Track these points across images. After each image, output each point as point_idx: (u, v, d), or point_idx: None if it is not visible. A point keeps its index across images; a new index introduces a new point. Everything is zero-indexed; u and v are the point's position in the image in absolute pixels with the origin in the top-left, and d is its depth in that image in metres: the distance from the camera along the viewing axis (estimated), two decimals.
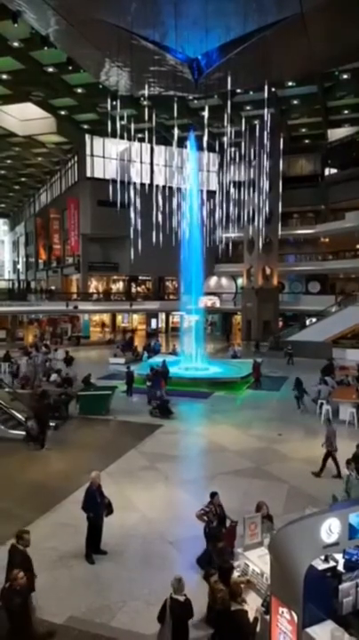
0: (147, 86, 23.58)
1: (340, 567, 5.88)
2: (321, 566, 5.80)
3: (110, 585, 7.88)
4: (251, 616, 5.65)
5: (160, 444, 14.79)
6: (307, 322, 37.27)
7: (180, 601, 5.85)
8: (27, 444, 14.50)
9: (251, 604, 5.95)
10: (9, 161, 47.14)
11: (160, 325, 48.43)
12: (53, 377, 22.26)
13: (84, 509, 8.56)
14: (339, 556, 5.91)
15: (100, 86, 27.46)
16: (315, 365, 23.74)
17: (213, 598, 6.11)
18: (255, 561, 6.61)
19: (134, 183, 31.92)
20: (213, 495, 8.32)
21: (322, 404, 17.61)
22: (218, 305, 48.13)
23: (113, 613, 7.12)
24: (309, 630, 4.81)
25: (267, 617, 5.36)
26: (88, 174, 43.10)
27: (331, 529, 4.79)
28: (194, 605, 6.01)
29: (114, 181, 27.91)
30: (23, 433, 15.07)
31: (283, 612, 4.88)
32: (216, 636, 5.87)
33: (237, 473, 12.42)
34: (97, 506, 8.55)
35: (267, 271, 39.64)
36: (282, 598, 4.92)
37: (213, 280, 49.54)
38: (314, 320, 36.44)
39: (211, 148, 38.89)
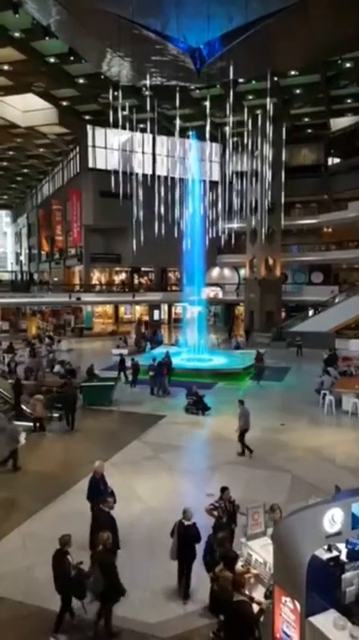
0: (148, 76, 23.37)
1: (343, 557, 5.92)
2: (324, 556, 5.85)
3: None
4: (256, 606, 5.71)
5: (163, 435, 14.88)
6: (310, 312, 37.20)
7: (185, 524, 7.23)
8: (36, 433, 14.75)
9: (256, 595, 6.02)
10: (11, 152, 46.90)
11: (163, 317, 48.42)
12: (57, 368, 22.33)
13: (89, 500, 8.62)
14: (342, 546, 5.95)
15: (102, 77, 27.24)
16: (321, 356, 23.73)
17: (218, 585, 6.17)
18: (258, 550, 6.67)
19: (136, 174, 31.80)
20: (224, 490, 7.97)
21: (325, 394, 17.66)
22: (220, 296, 48.13)
23: (118, 603, 7.20)
24: (312, 619, 4.85)
25: (270, 606, 5.42)
26: (90, 165, 42.90)
27: (333, 519, 4.83)
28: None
29: (116, 172, 27.82)
30: (26, 424, 15.20)
31: (286, 602, 4.93)
32: (221, 627, 5.93)
33: (240, 462, 12.50)
34: (100, 495, 8.62)
35: (270, 262, 39.50)
36: (285, 588, 4.97)
37: (216, 271, 49.41)
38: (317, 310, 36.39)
39: (213, 138, 38.63)
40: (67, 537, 6.90)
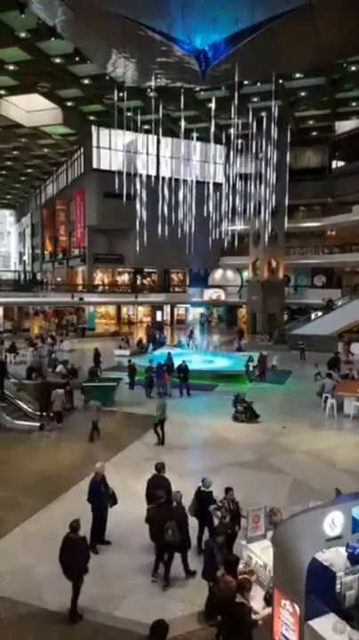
0: (153, 77, 23.39)
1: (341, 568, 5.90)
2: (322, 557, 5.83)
3: (114, 575, 7.96)
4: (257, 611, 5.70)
5: (165, 436, 14.84)
6: (313, 315, 37.13)
7: (203, 491, 8.31)
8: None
9: (257, 599, 6.01)
10: (15, 152, 47.03)
11: (165, 318, 48.45)
12: (59, 368, 22.34)
13: (90, 502, 8.62)
14: (343, 550, 5.93)
15: (107, 77, 27.28)
16: (324, 359, 23.66)
17: (219, 589, 6.15)
18: (258, 553, 6.65)
19: (140, 175, 31.81)
20: (228, 490, 8.03)
21: (326, 397, 17.63)
22: (223, 298, 48.15)
23: (116, 603, 7.20)
24: (311, 623, 4.84)
25: (270, 609, 5.41)
26: (94, 166, 42.99)
27: (334, 522, 4.81)
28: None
29: (120, 173, 27.82)
30: (29, 423, 15.26)
31: (285, 605, 4.92)
32: (219, 628, 5.91)
33: (241, 465, 12.47)
34: (101, 496, 8.62)
35: (273, 264, 39.50)
36: (284, 591, 4.96)
37: (219, 273, 49.44)
38: (319, 314, 36.31)
39: (217, 140, 38.68)
40: (77, 521, 7.19)
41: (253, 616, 5.76)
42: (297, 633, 4.80)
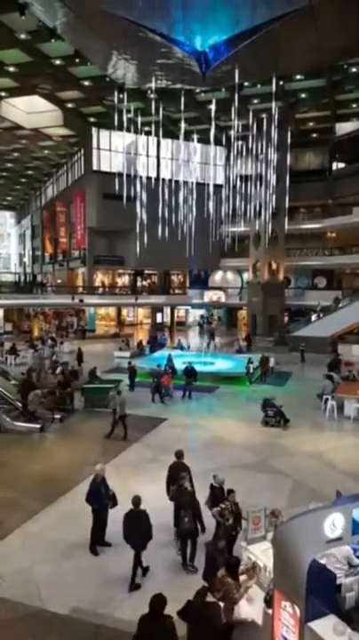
0: (154, 79, 23.43)
1: (354, 560, 5.90)
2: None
3: (114, 576, 7.94)
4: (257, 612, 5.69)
5: (165, 437, 14.83)
6: (313, 317, 37.14)
7: (215, 486, 8.59)
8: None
9: (257, 601, 6.00)
10: (15, 154, 47.08)
11: (165, 320, 48.47)
12: (59, 369, 22.31)
13: (88, 502, 8.62)
14: (351, 550, 5.92)
15: (107, 79, 27.34)
16: (325, 361, 23.66)
17: (221, 593, 6.14)
18: (258, 555, 6.64)
19: (140, 176, 31.85)
20: (230, 492, 8.09)
21: (326, 399, 17.61)
22: (223, 299, 48.17)
23: (116, 604, 7.18)
24: (312, 624, 4.83)
25: (270, 610, 5.39)
26: (94, 167, 43.01)
27: (334, 524, 4.81)
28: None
29: (120, 174, 27.85)
30: (28, 425, 15.24)
31: (285, 606, 4.91)
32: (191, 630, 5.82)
33: (242, 467, 12.45)
34: (101, 498, 8.61)
35: (273, 266, 39.51)
36: (284, 592, 4.95)
37: (219, 274, 49.46)
38: (321, 315, 36.33)
39: (217, 142, 38.72)
40: (138, 497, 7.90)
41: (242, 616, 5.78)
42: (297, 634, 4.79)
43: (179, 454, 9.89)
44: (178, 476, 9.02)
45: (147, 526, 7.68)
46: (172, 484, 9.19)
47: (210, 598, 5.49)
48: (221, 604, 5.67)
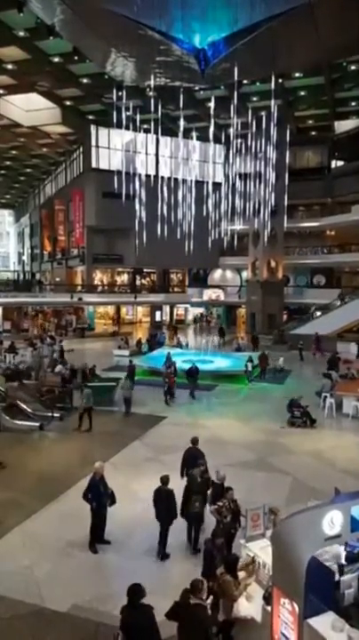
0: (152, 77, 23.41)
1: (342, 559, 5.91)
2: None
3: (113, 574, 7.97)
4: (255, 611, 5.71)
5: (164, 436, 14.85)
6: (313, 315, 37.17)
7: (216, 482, 8.75)
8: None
9: (256, 598, 6.02)
10: (14, 152, 47.00)
11: (164, 318, 48.47)
12: (58, 368, 22.31)
13: (85, 498, 8.64)
14: (341, 549, 5.94)
15: (106, 76, 27.29)
16: (323, 360, 23.68)
17: (221, 590, 6.16)
18: (257, 552, 6.65)
19: (139, 174, 31.81)
20: (228, 490, 8.19)
21: (325, 397, 17.64)
22: (222, 298, 48.15)
23: (116, 602, 7.16)
24: (310, 621, 4.85)
25: (269, 608, 5.41)
26: (93, 165, 42.95)
27: (333, 521, 4.81)
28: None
29: (119, 173, 27.83)
30: (27, 423, 15.25)
31: (284, 603, 4.92)
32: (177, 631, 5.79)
33: (241, 465, 12.46)
34: (100, 496, 8.62)
35: (272, 264, 39.51)
36: (283, 589, 4.96)
37: (218, 273, 49.44)
38: (318, 313, 36.35)
39: (216, 140, 38.67)
40: (167, 476, 8.62)
41: (241, 613, 5.81)
42: (296, 631, 4.80)
43: (195, 441, 10.43)
44: (192, 462, 9.50)
45: (170, 503, 8.33)
46: (187, 468, 9.60)
47: (195, 600, 5.47)
48: (207, 604, 5.66)
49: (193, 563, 7.89)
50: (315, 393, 18.62)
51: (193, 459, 9.74)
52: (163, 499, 8.37)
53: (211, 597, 6.21)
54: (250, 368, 22.63)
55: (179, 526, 8.72)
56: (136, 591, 5.39)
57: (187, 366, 20.63)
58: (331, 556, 5.90)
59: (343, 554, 5.91)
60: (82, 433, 15.02)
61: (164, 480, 8.52)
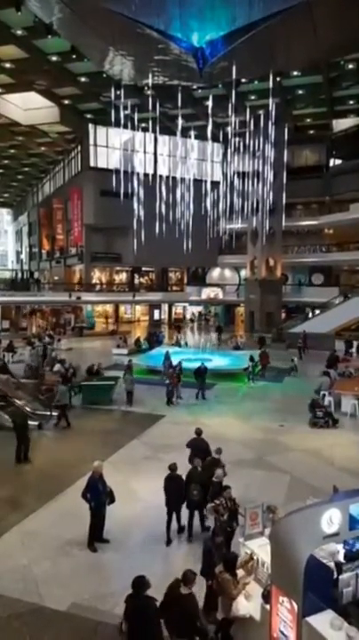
0: (150, 75, 23.37)
1: (340, 557, 5.93)
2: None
3: (113, 573, 7.98)
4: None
5: (163, 435, 14.86)
6: (310, 314, 37.22)
7: (214, 481, 8.81)
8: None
9: (255, 597, 6.03)
10: (12, 150, 46.95)
11: (163, 317, 48.48)
12: (57, 367, 22.31)
13: (84, 497, 8.65)
14: (340, 547, 5.95)
15: (104, 75, 27.26)
16: (324, 357, 23.65)
17: (219, 589, 6.18)
18: (256, 551, 6.66)
19: (137, 173, 31.80)
20: (225, 488, 8.23)
21: (324, 395, 17.65)
22: (221, 296, 48.18)
23: (116, 601, 7.20)
24: (309, 619, 4.86)
25: (268, 606, 5.43)
26: (91, 164, 42.92)
27: (331, 519, 4.82)
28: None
29: (117, 171, 27.80)
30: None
31: (283, 602, 4.93)
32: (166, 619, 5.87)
33: (239, 463, 12.47)
34: (99, 495, 8.63)
35: (271, 262, 39.54)
36: (282, 588, 4.97)
37: (216, 271, 49.45)
38: (317, 312, 36.40)
39: (215, 138, 38.65)
40: (174, 464, 9.15)
41: (240, 611, 5.88)
42: (295, 629, 4.82)
43: (199, 431, 10.97)
44: (195, 452, 10.16)
45: (179, 488, 8.90)
46: (193, 457, 10.02)
47: (186, 590, 5.70)
48: (193, 594, 5.81)
49: (191, 561, 7.90)
50: (314, 391, 18.64)
51: (196, 449, 10.37)
52: (173, 485, 8.90)
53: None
54: (250, 367, 22.57)
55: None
56: (141, 583, 5.57)
57: (193, 365, 20.47)
58: (326, 554, 5.92)
59: (341, 552, 5.93)
60: (63, 430, 15.27)
61: (173, 467, 9.04)
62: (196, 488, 8.89)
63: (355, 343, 29.30)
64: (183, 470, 9.31)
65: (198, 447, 10.46)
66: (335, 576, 5.56)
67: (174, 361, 21.35)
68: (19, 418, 13.27)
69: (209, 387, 21.00)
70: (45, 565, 8.08)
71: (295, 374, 23.48)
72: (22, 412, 14.33)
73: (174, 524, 9.07)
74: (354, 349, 28.90)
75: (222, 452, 10.00)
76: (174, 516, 9.05)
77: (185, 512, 9.12)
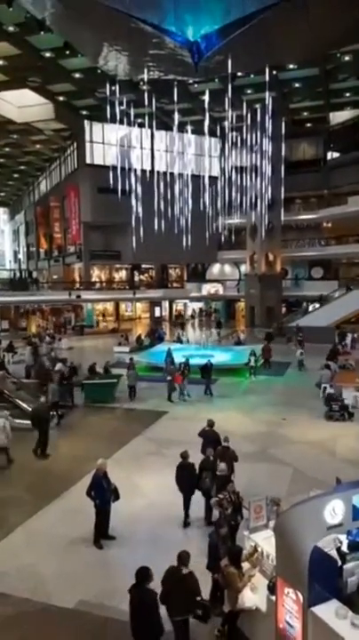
0: (146, 70, 23.23)
1: (344, 548, 5.95)
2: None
3: (119, 569, 7.99)
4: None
5: (166, 430, 14.90)
6: (310, 307, 37.23)
7: (219, 475, 9.08)
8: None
9: (260, 589, 6.06)
10: (7, 149, 46.78)
11: (164, 314, 48.47)
12: (58, 366, 22.30)
13: (88, 495, 8.67)
14: (344, 537, 5.97)
15: (99, 71, 27.11)
16: (324, 350, 23.65)
17: (225, 582, 6.20)
18: (260, 543, 6.68)
19: (135, 169, 31.70)
20: (228, 482, 8.34)
21: (325, 387, 17.68)
22: (221, 292, 48.18)
23: (122, 597, 7.19)
24: (315, 609, 4.89)
25: (273, 597, 5.45)
26: (87, 161, 42.80)
27: (334, 510, 4.86)
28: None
29: (114, 168, 27.71)
30: (28, 422, 15.25)
31: (288, 593, 4.97)
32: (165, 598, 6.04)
33: (243, 457, 12.40)
34: (104, 492, 8.65)
35: (271, 257, 39.51)
36: (287, 579, 5.00)
37: (216, 267, 49.42)
38: (316, 305, 36.41)
39: (212, 133, 38.57)
40: (186, 451, 9.50)
41: (246, 604, 6.00)
42: (300, 620, 4.85)
43: (211, 423, 11.33)
44: (206, 443, 10.45)
45: (191, 474, 9.26)
46: (205, 447, 10.21)
47: (186, 569, 5.97)
48: (192, 572, 6.06)
49: (197, 556, 7.92)
50: (314, 384, 18.68)
51: (207, 440, 10.71)
52: (185, 473, 9.27)
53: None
54: (252, 362, 22.56)
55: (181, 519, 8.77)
56: (144, 574, 5.72)
57: (198, 362, 20.59)
58: (326, 543, 5.94)
59: (345, 542, 5.95)
60: (66, 429, 15.24)
61: (185, 455, 9.41)
62: (208, 476, 9.23)
63: (349, 336, 29.28)
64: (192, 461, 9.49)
65: (209, 438, 10.81)
66: (339, 565, 5.58)
67: (177, 358, 21.36)
68: (41, 412, 13.52)
69: (212, 382, 21.04)
70: (52, 564, 8.11)
71: (303, 368, 23.40)
72: (45, 406, 14.17)
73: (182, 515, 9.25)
74: (348, 341, 28.86)
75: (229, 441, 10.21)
76: (183, 506, 9.29)
77: (194, 505, 9.34)
